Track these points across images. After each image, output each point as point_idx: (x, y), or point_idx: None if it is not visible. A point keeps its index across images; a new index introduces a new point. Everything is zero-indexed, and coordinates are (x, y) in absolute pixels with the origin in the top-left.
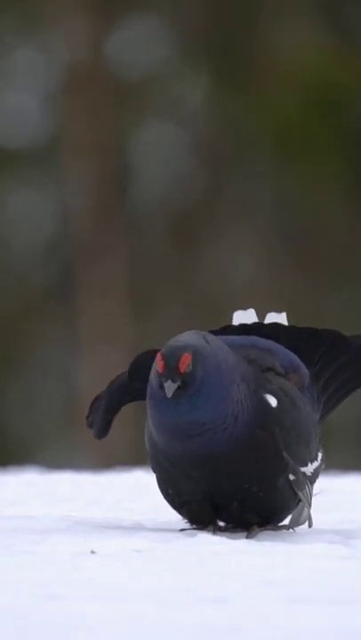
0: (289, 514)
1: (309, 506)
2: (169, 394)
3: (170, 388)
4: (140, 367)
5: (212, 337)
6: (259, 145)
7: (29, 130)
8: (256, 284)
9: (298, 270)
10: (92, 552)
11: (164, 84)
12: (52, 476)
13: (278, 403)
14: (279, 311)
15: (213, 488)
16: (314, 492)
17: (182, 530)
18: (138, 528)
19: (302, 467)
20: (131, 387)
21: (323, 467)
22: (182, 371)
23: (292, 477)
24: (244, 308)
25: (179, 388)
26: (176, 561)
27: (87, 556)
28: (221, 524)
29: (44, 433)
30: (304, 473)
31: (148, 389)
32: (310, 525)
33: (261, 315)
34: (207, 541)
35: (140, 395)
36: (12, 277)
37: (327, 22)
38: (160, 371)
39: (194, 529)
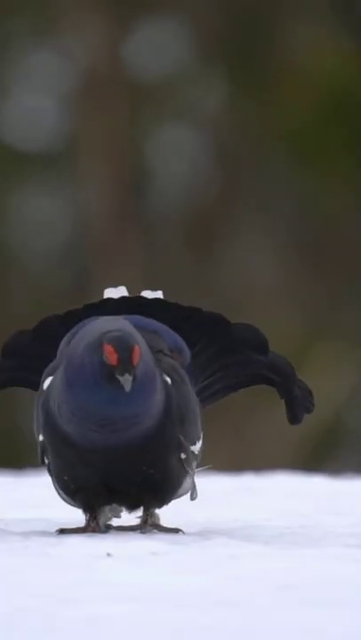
0: (180, 491)
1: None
2: (128, 387)
3: (127, 381)
4: (13, 345)
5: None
6: (275, 147)
7: (46, 133)
8: (273, 286)
9: (314, 272)
10: (108, 554)
11: (181, 86)
12: None
13: (172, 383)
14: (154, 289)
15: (113, 473)
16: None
17: (62, 531)
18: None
19: (191, 446)
20: (2, 367)
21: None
22: (135, 363)
23: (183, 456)
24: (115, 285)
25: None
26: (191, 564)
27: (103, 559)
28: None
29: None
30: (193, 452)
31: (70, 377)
32: (194, 497)
33: (136, 293)
34: (222, 544)
35: (14, 380)
36: (27, 281)
37: (344, 25)
38: (113, 363)
39: (78, 530)
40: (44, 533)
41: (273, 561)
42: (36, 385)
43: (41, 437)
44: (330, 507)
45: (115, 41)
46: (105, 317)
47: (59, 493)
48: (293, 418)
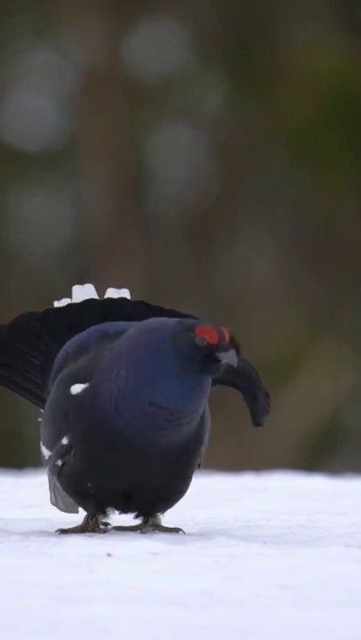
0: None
1: None
2: (235, 361)
3: (233, 355)
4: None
5: None
6: (275, 148)
7: (46, 132)
8: (273, 286)
9: (314, 272)
10: (108, 554)
11: (181, 86)
12: None
13: None
14: (119, 287)
15: (142, 482)
16: None
17: (63, 531)
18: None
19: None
20: None
21: None
22: (235, 339)
23: (200, 462)
24: (82, 283)
25: None
26: (191, 564)
27: (103, 559)
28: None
29: None
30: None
31: (140, 370)
32: None
33: (102, 291)
34: (222, 544)
35: None
36: (28, 280)
37: (345, 25)
38: (214, 342)
39: (78, 529)
40: (44, 533)
41: (273, 561)
42: (5, 381)
43: (65, 440)
44: (330, 507)
45: (115, 41)
46: (118, 322)
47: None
48: (257, 421)
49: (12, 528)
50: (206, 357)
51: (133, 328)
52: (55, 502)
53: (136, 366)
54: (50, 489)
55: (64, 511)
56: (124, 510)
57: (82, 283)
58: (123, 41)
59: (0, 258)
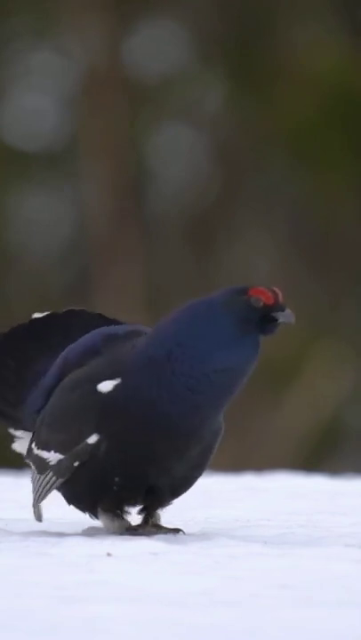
0: None
1: None
2: (293, 318)
3: (290, 314)
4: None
5: None
6: (275, 148)
7: (46, 132)
8: (272, 286)
9: (314, 271)
10: (108, 554)
11: (181, 86)
12: None
13: None
14: (42, 312)
15: (169, 473)
16: None
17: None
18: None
19: None
20: None
21: None
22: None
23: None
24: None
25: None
26: (191, 564)
27: (103, 559)
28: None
29: None
30: None
31: (198, 344)
32: None
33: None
34: (222, 544)
35: None
36: (28, 280)
37: (345, 25)
38: (270, 302)
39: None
40: (44, 533)
41: (273, 561)
42: None
43: (92, 439)
44: (330, 507)
45: (115, 41)
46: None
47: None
48: None
49: (12, 528)
50: (263, 317)
51: (165, 317)
52: (35, 505)
53: (191, 341)
54: (38, 492)
55: (35, 517)
56: (139, 504)
57: (83, 283)
58: (123, 41)
59: (0, 258)
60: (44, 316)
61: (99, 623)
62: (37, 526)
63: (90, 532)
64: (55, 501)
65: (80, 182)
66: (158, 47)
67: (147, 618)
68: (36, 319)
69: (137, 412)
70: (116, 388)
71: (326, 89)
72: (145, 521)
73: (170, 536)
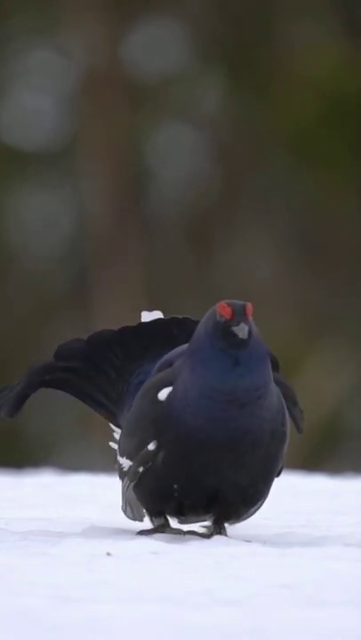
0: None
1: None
2: (244, 334)
3: (243, 329)
4: (69, 349)
5: None
6: (275, 147)
7: (46, 132)
8: (272, 287)
9: (314, 271)
10: (108, 554)
11: (181, 86)
12: (68, 478)
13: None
14: (150, 310)
15: (229, 480)
16: None
17: (141, 532)
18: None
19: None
20: (53, 367)
21: None
22: (249, 317)
23: (281, 466)
24: (150, 310)
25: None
26: (192, 563)
27: (103, 558)
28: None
29: (61, 435)
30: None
31: (194, 360)
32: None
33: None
34: (223, 543)
35: (59, 381)
36: (28, 280)
37: (344, 26)
38: (228, 317)
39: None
40: (44, 533)
41: (273, 561)
42: (76, 389)
43: (152, 446)
44: (330, 506)
45: (114, 40)
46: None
47: (139, 502)
48: (299, 428)
49: (12, 528)
50: (225, 331)
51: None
52: (124, 509)
53: (191, 362)
54: (122, 497)
55: (131, 519)
56: (205, 512)
57: (83, 283)
58: (122, 40)
59: (0, 258)
60: (152, 321)
61: (99, 623)
62: (37, 526)
63: (90, 532)
64: (54, 501)
65: (80, 182)
66: (158, 47)
67: (147, 618)
68: (145, 323)
69: (181, 420)
70: (169, 396)
71: (326, 89)
72: (216, 529)
73: (170, 536)
